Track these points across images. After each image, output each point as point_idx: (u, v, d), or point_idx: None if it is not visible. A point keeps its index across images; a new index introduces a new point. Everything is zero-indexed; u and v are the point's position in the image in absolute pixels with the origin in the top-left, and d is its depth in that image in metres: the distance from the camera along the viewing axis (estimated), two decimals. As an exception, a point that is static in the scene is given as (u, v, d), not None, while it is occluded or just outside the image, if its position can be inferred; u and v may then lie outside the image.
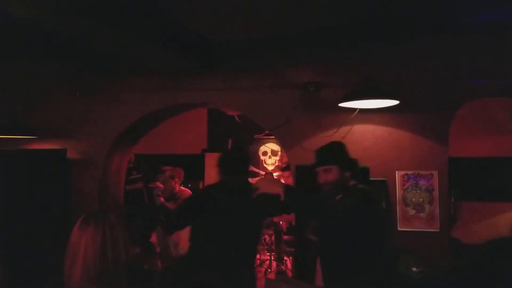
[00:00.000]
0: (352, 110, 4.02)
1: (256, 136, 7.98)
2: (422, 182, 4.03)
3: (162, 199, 4.62)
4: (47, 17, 2.92)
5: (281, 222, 6.92)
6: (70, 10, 2.74)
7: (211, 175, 8.38)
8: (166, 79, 4.63)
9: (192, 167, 6.74)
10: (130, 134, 4.95)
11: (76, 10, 2.76)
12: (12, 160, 4.38)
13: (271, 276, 6.47)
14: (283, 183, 2.63)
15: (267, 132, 6.17)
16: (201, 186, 8.14)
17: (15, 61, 4.65)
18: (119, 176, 5.20)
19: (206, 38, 4.25)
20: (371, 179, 3.85)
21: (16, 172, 4.31)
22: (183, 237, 4.57)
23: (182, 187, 5.21)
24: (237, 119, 7.21)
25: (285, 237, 6.96)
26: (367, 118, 4.13)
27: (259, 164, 8.28)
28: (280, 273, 6.60)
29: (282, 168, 7.17)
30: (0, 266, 2.31)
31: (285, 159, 8.11)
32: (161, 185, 4.73)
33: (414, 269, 3.60)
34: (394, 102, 3.67)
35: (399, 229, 4.07)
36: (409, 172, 4.05)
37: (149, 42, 3.62)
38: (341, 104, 3.73)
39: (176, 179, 5.17)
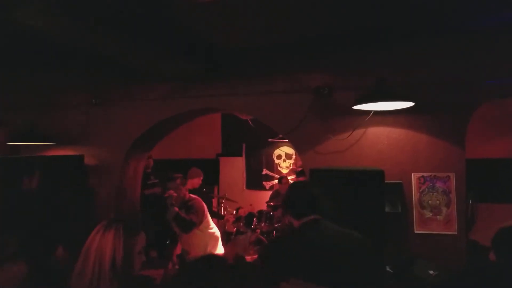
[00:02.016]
0: (366, 112, 3.99)
1: (269, 140, 7.99)
2: (439, 185, 3.98)
3: (176, 209, 4.44)
4: (64, 30, 2.99)
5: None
6: (84, 23, 2.81)
7: (225, 179, 8.44)
8: (179, 86, 4.68)
9: (207, 171, 6.79)
10: (145, 140, 5.02)
11: (90, 22, 2.83)
12: (32, 166, 4.48)
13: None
14: None
15: (280, 136, 6.17)
16: (216, 191, 8.19)
17: (33, 70, 4.76)
18: (135, 181, 5.26)
19: (217, 45, 4.30)
20: (386, 182, 3.82)
21: (35, 178, 4.40)
22: (193, 245, 4.56)
23: (192, 195, 4.82)
24: (250, 123, 7.23)
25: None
26: (382, 121, 4.10)
27: (273, 167, 8.28)
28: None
29: (297, 172, 7.17)
30: (24, 266, 2.37)
31: (300, 163, 8.10)
32: (174, 194, 4.54)
33: (431, 272, 3.56)
34: (409, 104, 3.64)
35: (416, 231, 4.02)
36: (426, 175, 4.01)
37: (163, 52, 3.69)
38: (355, 107, 3.71)
39: (186, 187, 4.85)
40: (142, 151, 5.20)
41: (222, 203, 7.59)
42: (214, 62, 4.42)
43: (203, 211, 4.59)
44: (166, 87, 4.73)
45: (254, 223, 6.54)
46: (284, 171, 8.18)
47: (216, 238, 4.78)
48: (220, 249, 4.79)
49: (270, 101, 4.42)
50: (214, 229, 4.80)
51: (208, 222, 4.69)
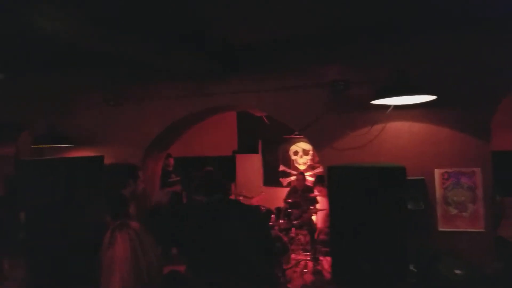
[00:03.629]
0: (385, 107, 3.86)
1: (285, 136, 7.89)
2: (463, 180, 3.83)
3: None
4: (81, 33, 2.97)
5: (315, 222, 6.84)
6: (103, 25, 2.78)
7: (242, 176, 8.40)
8: (193, 85, 4.65)
9: (223, 169, 6.75)
10: (162, 139, 5.02)
11: (109, 25, 2.80)
12: (54, 168, 4.51)
13: (308, 276, 6.39)
14: None
15: (296, 132, 6.09)
16: (233, 188, 8.15)
17: (51, 73, 4.80)
18: (154, 180, 5.27)
19: (230, 42, 4.22)
20: (408, 178, 3.69)
21: (57, 180, 4.43)
22: None
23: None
24: (265, 120, 7.15)
25: (320, 237, 6.86)
26: (402, 115, 3.97)
27: (290, 164, 8.19)
28: (317, 273, 6.51)
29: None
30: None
31: (317, 158, 7.99)
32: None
33: (457, 271, 3.43)
34: (431, 98, 3.49)
35: (440, 229, 3.89)
36: (449, 170, 3.86)
37: (177, 49, 3.64)
38: (374, 102, 3.59)
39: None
40: (160, 150, 5.21)
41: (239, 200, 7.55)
42: (229, 60, 4.35)
43: None
44: (181, 86, 4.70)
45: (272, 219, 6.48)
46: (301, 167, 8.07)
47: None
48: None
49: (285, 98, 4.34)
50: None
51: None
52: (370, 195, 3.42)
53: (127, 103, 4.90)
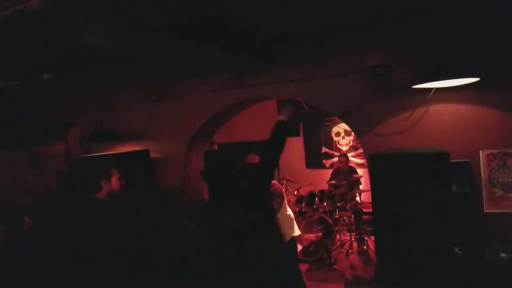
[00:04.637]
0: (427, 90, 3.82)
1: (326, 119, 7.88)
2: (510, 161, 3.76)
3: None
4: (121, 41, 3.15)
5: (360, 202, 6.87)
6: (142, 31, 2.92)
7: (285, 159, 8.48)
8: (232, 77, 4.76)
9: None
10: (204, 131, 5.20)
11: (146, 30, 2.94)
12: (105, 163, 4.79)
13: (353, 257, 6.48)
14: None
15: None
16: (276, 172, 8.26)
17: (94, 74, 5.04)
18: (198, 170, 5.47)
19: (266, 32, 4.24)
20: (452, 161, 3.66)
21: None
22: None
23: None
24: (305, 107, 7.15)
25: (365, 217, 6.89)
26: (445, 97, 3.90)
27: (332, 145, 8.19)
28: (362, 253, 6.58)
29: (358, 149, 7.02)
30: None
31: (360, 139, 7.96)
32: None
33: (503, 255, 3.42)
34: (473, 80, 3.43)
35: (486, 211, 3.85)
36: (495, 151, 3.79)
37: (212, 44, 3.73)
38: (416, 86, 3.56)
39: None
40: (202, 141, 5.39)
41: (283, 184, 7.66)
42: (266, 51, 4.40)
43: (283, 196, 4.60)
44: (220, 79, 4.82)
45: (316, 202, 6.56)
46: (344, 148, 8.06)
47: (292, 220, 4.80)
48: (297, 231, 4.82)
49: (324, 85, 4.36)
50: (290, 211, 4.83)
51: (285, 205, 4.72)
52: (412, 181, 3.44)
53: (169, 99, 5.10)
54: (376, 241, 4.12)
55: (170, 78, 5.08)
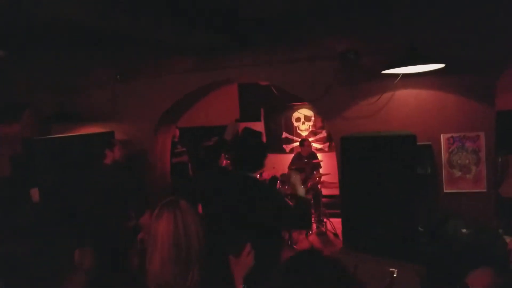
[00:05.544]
0: (394, 76, 3.98)
1: (288, 103, 7.96)
2: (468, 144, 4.02)
3: None
4: (90, 13, 2.98)
5: (319, 186, 7.07)
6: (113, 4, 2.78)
7: (246, 144, 8.49)
8: (202, 59, 4.67)
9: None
10: (172, 113, 5.08)
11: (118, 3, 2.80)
12: (66, 146, 4.59)
13: (313, 237, 6.69)
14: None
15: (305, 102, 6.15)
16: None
17: (57, 52, 4.76)
18: (165, 151, 5.39)
19: (240, 15, 4.20)
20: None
21: (68, 157, 4.51)
22: None
23: None
24: (273, 90, 7.18)
25: (324, 199, 7.12)
26: (410, 83, 4.09)
27: (292, 130, 8.32)
28: (321, 234, 6.81)
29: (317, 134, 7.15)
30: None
31: (319, 124, 8.13)
32: None
33: (464, 230, 3.67)
34: (439, 66, 3.61)
35: (445, 191, 4.11)
36: (455, 135, 4.04)
37: (183, 22, 3.63)
38: (386, 71, 3.70)
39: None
40: (169, 123, 5.28)
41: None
42: (239, 34, 4.36)
43: None
44: (190, 60, 4.72)
45: (278, 186, 6.67)
46: (304, 134, 8.21)
47: None
48: None
49: (294, 69, 4.41)
50: None
51: None
52: (382, 163, 3.60)
53: (138, 79, 4.93)
54: (343, 221, 4.28)
55: (139, 58, 4.90)
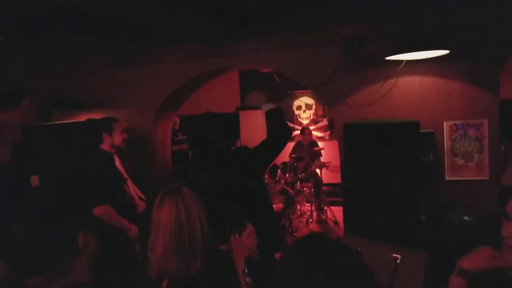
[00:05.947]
0: (397, 62, 3.94)
1: (289, 91, 7.92)
2: (471, 132, 4.00)
3: None
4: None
5: (320, 174, 7.07)
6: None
7: (246, 132, 8.49)
8: (203, 45, 4.61)
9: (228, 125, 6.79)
10: (173, 100, 5.05)
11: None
12: (64, 133, 4.56)
13: (313, 225, 6.73)
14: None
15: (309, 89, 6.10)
16: (237, 144, 8.27)
17: (57, 38, 4.71)
18: (166, 139, 5.36)
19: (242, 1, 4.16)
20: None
21: (69, 145, 4.48)
22: None
23: None
24: (275, 77, 7.12)
25: (324, 188, 7.14)
26: (414, 70, 4.05)
27: (293, 119, 8.29)
28: (321, 222, 6.85)
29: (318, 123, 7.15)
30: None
31: (320, 113, 8.10)
32: None
33: (465, 218, 3.67)
34: (443, 52, 3.58)
35: (447, 178, 4.10)
36: (458, 122, 4.02)
37: (183, 8, 3.58)
38: (389, 58, 3.67)
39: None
40: (170, 111, 5.25)
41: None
42: (241, 20, 4.31)
43: None
44: (191, 47, 4.66)
45: (278, 174, 6.67)
46: (305, 122, 8.19)
47: None
48: None
49: (296, 56, 4.37)
50: None
51: None
52: (384, 150, 3.59)
53: (138, 66, 4.88)
54: (344, 208, 4.29)
55: (139, 45, 4.85)
